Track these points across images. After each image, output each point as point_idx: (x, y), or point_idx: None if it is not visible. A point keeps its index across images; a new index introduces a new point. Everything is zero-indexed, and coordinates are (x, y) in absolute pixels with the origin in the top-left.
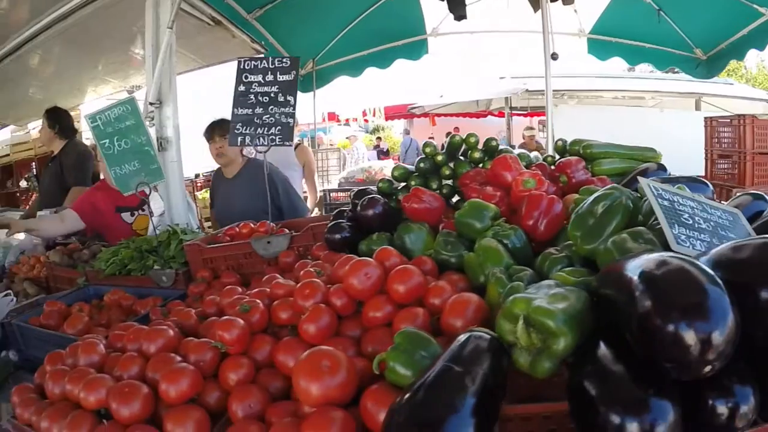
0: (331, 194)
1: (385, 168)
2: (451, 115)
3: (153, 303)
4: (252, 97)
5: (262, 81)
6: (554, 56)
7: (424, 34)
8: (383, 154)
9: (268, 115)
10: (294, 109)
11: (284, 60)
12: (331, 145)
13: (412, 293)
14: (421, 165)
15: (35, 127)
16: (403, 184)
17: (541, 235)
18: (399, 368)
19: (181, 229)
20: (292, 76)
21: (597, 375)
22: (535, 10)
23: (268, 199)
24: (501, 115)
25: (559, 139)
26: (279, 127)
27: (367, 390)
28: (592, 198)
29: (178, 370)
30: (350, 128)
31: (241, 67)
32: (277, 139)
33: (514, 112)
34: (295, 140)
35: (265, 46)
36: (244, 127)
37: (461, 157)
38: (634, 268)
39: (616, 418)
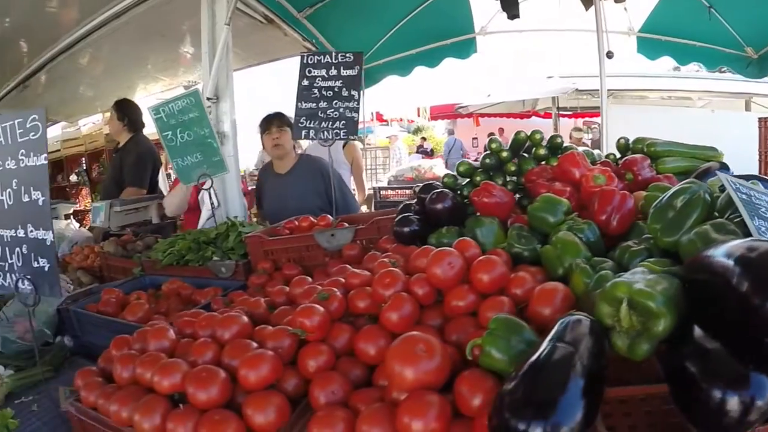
0: (381, 192)
1: (435, 167)
2: (495, 115)
3: (214, 293)
4: (316, 91)
5: (326, 75)
6: (609, 54)
7: (472, 32)
8: (426, 154)
9: (332, 109)
10: (358, 103)
11: (348, 55)
12: (368, 144)
13: (496, 283)
14: (487, 161)
15: (85, 123)
16: (467, 180)
17: (613, 229)
18: (495, 353)
19: (240, 222)
20: (356, 71)
21: (696, 354)
22: (587, 8)
23: (333, 194)
24: (547, 116)
25: (621, 138)
26: (343, 122)
27: (461, 375)
28: (671, 192)
29: (259, 356)
30: (392, 128)
31: (305, 61)
32: (342, 133)
33: (561, 112)
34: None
35: (316, 45)
36: (308, 121)
37: (524, 154)
38: (727, 254)
39: (718, 394)
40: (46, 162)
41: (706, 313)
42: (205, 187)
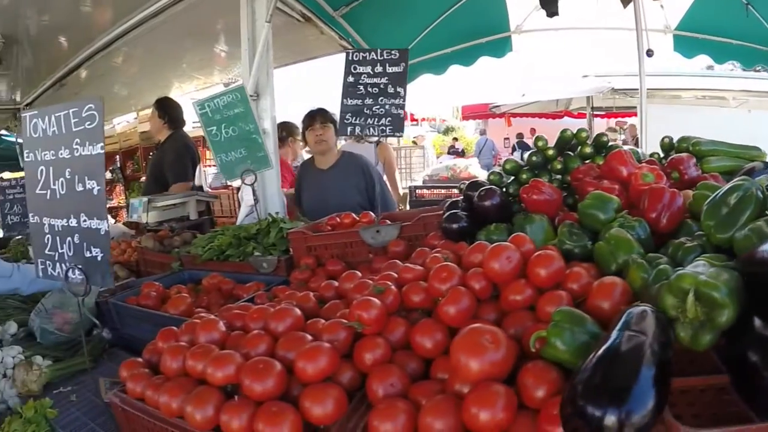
0: (417, 191)
1: (470, 167)
2: (527, 115)
3: (256, 288)
4: (361, 88)
5: (371, 72)
6: (650, 53)
7: (508, 31)
8: (458, 154)
9: (378, 106)
10: (404, 100)
11: (393, 52)
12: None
13: (553, 278)
14: (533, 159)
15: (119, 122)
16: (512, 177)
17: (663, 227)
18: (559, 344)
19: (281, 219)
20: (402, 67)
21: (758, 344)
22: (625, 6)
23: (376, 190)
24: (580, 116)
25: (665, 137)
26: (389, 118)
27: (525, 367)
28: (724, 190)
29: (317, 348)
30: (420, 128)
31: (350, 58)
32: (388, 130)
33: (595, 113)
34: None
35: (352, 44)
36: (354, 117)
37: (569, 152)
38: None
39: None
40: (102, 151)
41: (764, 305)
42: (248, 182)
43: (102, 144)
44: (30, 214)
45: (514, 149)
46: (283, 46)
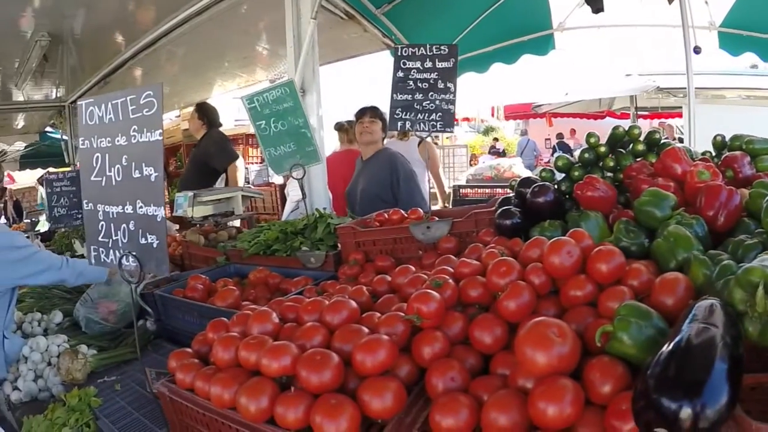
0: (461, 190)
1: (514, 166)
2: (568, 115)
3: (305, 282)
4: (411, 83)
5: (421, 67)
6: (697, 50)
7: (550, 28)
8: (498, 154)
9: (428, 101)
10: (454, 96)
11: (442, 47)
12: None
13: (614, 274)
14: (585, 155)
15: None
16: (563, 174)
17: (720, 226)
18: (626, 339)
19: (328, 214)
20: (452, 63)
21: None
22: (670, 2)
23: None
24: (623, 116)
25: (717, 135)
26: (440, 114)
27: (591, 362)
28: None
29: (376, 341)
30: (459, 128)
31: (399, 53)
32: (438, 126)
33: (639, 112)
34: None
35: (394, 41)
36: (404, 112)
37: (621, 150)
38: None
39: None
40: (160, 138)
41: None
42: (296, 176)
43: (160, 131)
44: (84, 201)
45: (554, 150)
46: (325, 43)
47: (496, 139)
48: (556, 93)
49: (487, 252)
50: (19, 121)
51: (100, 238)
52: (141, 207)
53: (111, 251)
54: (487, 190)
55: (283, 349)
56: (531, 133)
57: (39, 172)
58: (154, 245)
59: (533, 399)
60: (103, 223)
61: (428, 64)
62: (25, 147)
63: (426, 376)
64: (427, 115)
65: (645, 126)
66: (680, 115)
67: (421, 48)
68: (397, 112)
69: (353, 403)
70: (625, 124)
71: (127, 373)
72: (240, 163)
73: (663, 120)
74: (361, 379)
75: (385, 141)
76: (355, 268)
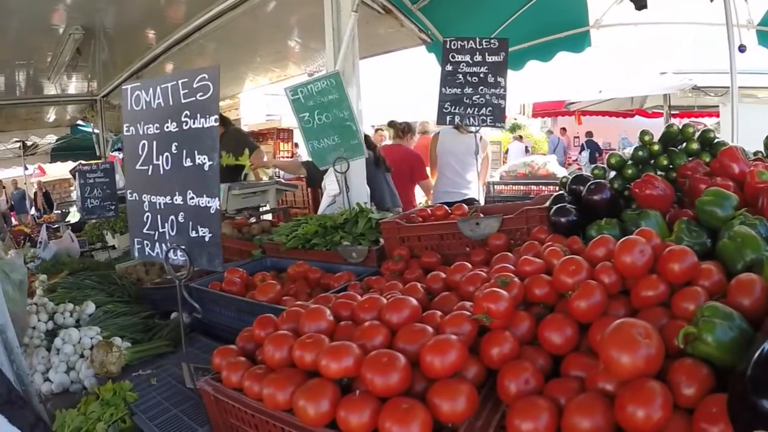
0: (495, 187)
1: (548, 163)
2: (597, 113)
3: (347, 278)
4: (460, 76)
5: (470, 61)
6: (742, 48)
7: (586, 25)
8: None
9: (478, 96)
10: (505, 90)
11: (492, 41)
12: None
13: (686, 274)
14: (638, 153)
15: None
16: (614, 172)
17: None
18: (711, 340)
19: (368, 208)
20: (501, 57)
21: None
22: (712, 0)
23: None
24: (655, 115)
25: None
26: (490, 108)
27: (675, 364)
28: None
29: (445, 342)
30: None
31: (447, 47)
32: (488, 120)
33: (674, 112)
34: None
35: (431, 37)
36: (453, 106)
37: (673, 148)
38: None
39: None
40: (216, 124)
41: None
42: (340, 169)
43: (216, 116)
44: (128, 191)
45: (582, 148)
46: (362, 38)
47: (520, 137)
48: (590, 91)
49: (549, 250)
50: (51, 115)
51: (145, 230)
52: (192, 198)
53: (157, 244)
54: (522, 187)
55: (345, 350)
56: (559, 130)
57: (69, 164)
58: (207, 238)
59: (621, 402)
60: (148, 214)
61: (478, 58)
62: (57, 140)
63: (498, 378)
64: (477, 109)
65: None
66: (715, 115)
67: (470, 41)
68: (446, 106)
69: (425, 408)
70: (657, 123)
71: (162, 367)
72: (261, 152)
73: (695, 119)
74: (429, 381)
75: (442, 131)
76: (400, 263)
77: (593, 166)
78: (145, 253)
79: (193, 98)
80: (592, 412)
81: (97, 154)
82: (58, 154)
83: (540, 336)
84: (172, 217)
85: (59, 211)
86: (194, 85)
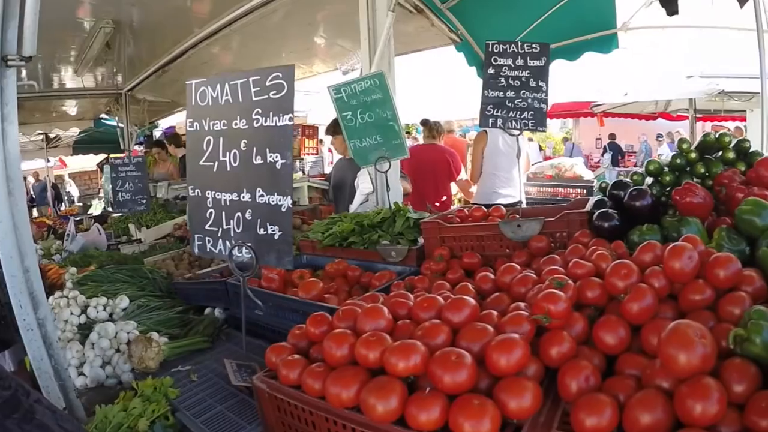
0: (523, 188)
1: (576, 165)
2: (618, 115)
3: (389, 277)
4: (502, 80)
5: (512, 65)
6: None
7: (614, 28)
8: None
9: (520, 99)
10: (546, 94)
11: (534, 45)
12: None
13: (731, 279)
14: (676, 161)
15: None
16: (651, 179)
17: None
18: (759, 341)
19: (406, 208)
20: (543, 61)
21: None
22: (741, 5)
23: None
24: (679, 118)
25: None
26: (532, 112)
27: (726, 363)
28: None
29: (510, 341)
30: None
31: (490, 49)
32: (530, 124)
33: (698, 116)
34: (458, 134)
35: (460, 37)
36: (495, 109)
37: (709, 156)
38: None
39: None
40: (290, 123)
41: None
42: (380, 169)
43: (290, 115)
44: (189, 187)
45: (605, 150)
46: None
47: (530, 140)
48: (615, 93)
49: (598, 254)
50: (75, 108)
51: (207, 227)
52: (262, 195)
53: (220, 240)
54: (549, 189)
55: (413, 348)
56: (581, 133)
57: (91, 157)
58: (276, 236)
59: (680, 397)
60: (211, 210)
61: (519, 62)
62: (80, 133)
63: (558, 376)
64: (519, 113)
65: (699, 130)
66: (739, 119)
67: (512, 45)
68: (488, 108)
69: (494, 404)
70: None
71: (202, 363)
72: None
73: (716, 123)
74: (493, 379)
75: (490, 131)
76: (441, 264)
77: (632, 172)
78: (206, 249)
79: (266, 96)
80: (653, 407)
81: (121, 147)
82: (80, 146)
83: (595, 336)
84: (239, 214)
85: (81, 204)
86: (267, 84)
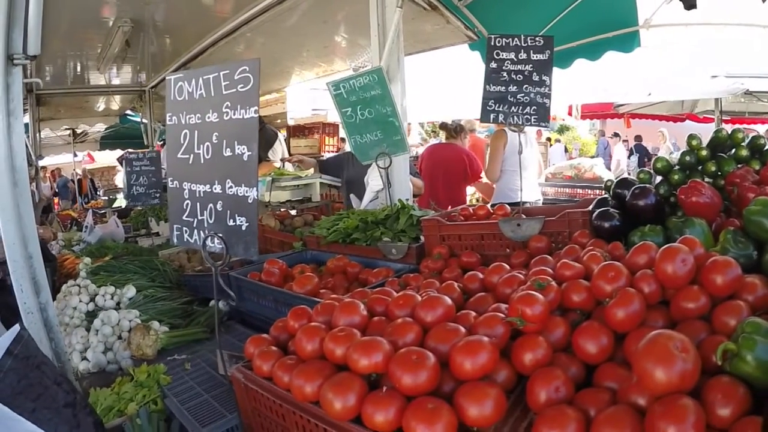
0: (541, 189)
1: (595, 166)
2: (646, 116)
3: (386, 274)
4: (505, 74)
5: (515, 59)
6: None
7: (636, 25)
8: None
9: (522, 94)
10: (550, 89)
11: (537, 39)
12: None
13: (729, 286)
14: (686, 159)
15: None
16: (659, 178)
17: None
18: (750, 358)
19: (410, 205)
20: (546, 55)
21: None
22: (764, 0)
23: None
24: (706, 120)
25: None
26: (534, 107)
27: (711, 382)
28: None
29: (476, 343)
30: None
31: (492, 43)
32: (533, 119)
33: (725, 118)
34: (483, 135)
35: (477, 34)
36: (497, 104)
37: (722, 154)
38: None
39: None
40: (256, 115)
41: None
42: (382, 165)
43: (256, 108)
44: (169, 179)
45: (631, 152)
46: (407, 35)
47: (548, 140)
48: (638, 93)
49: (589, 255)
50: (101, 104)
51: (184, 217)
52: (231, 187)
53: (195, 231)
54: (567, 190)
55: (375, 345)
56: (608, 134)
57: (118, 152)
58: (243, 227)
59: (652, 418)
60: (188, 201)
61: (522, 56)
62: (106, 128)
63: (528, 384)
64: (521, 108)
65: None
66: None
67: (515, 39)
68: (489, 103)
69: (451, 409)
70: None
71: (197, 353)
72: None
73: (746, 126)
74: (458, 382)
75: (509, 130)
76: (439, 262)
77: (639, 170)
78: (183, 240)
79: (234, 90)
80: (621, 427)
81: (145, 143)
82: (106, 142)
83: (574, 343)
84: (211, 205)
85: (106, 198)
86: (235, 77)
